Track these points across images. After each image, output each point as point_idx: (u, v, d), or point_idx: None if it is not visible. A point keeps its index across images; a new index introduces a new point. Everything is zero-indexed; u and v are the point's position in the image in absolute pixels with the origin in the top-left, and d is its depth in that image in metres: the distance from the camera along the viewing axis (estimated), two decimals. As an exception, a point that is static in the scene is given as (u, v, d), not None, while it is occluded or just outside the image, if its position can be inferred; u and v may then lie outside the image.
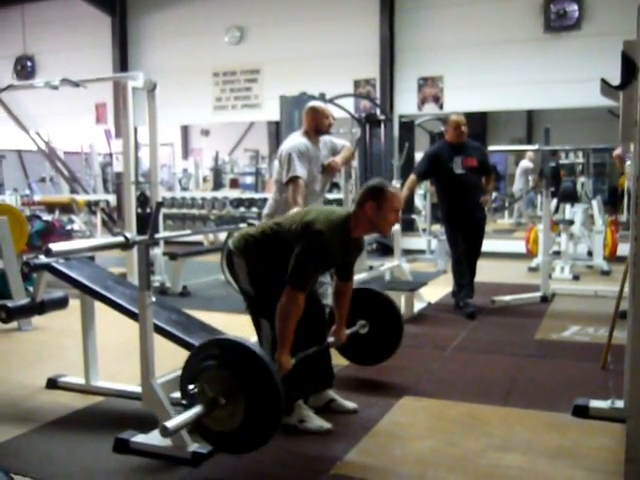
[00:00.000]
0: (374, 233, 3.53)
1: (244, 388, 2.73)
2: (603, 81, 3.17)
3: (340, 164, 5.06)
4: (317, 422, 3.37)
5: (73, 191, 14.41)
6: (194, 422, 2.81)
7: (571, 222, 9.05)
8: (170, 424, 2.68)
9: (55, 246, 2.79)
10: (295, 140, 4.87)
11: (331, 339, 3.66)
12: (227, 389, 2.75)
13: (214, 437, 2.87)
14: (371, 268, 7.25)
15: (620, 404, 3.44)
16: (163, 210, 9.86)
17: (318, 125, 4.88)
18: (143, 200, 7.79)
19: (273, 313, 3.12)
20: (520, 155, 15.65)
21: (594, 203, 9.71)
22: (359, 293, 3.91)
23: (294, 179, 4.68)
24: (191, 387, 2.80)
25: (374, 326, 4.01)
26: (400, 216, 3.46)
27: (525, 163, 14.81)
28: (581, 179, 11.95)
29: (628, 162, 5.53)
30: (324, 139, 5.01)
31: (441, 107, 11.30)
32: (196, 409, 2.74)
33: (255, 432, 2.75)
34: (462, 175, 6.07)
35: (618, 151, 5.00)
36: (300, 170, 4.70)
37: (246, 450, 2.83)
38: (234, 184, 15.11)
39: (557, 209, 9.61)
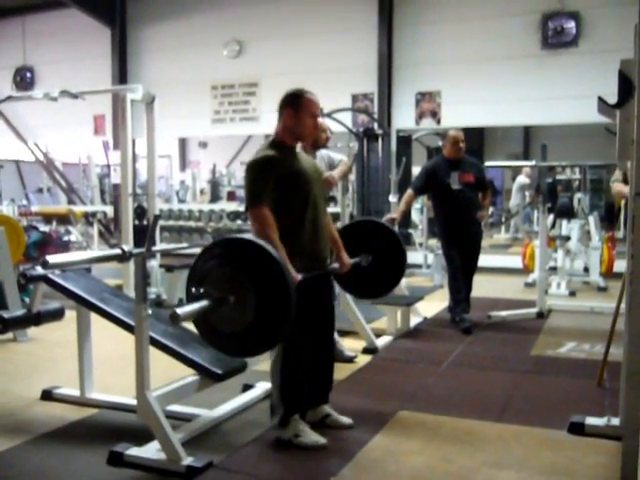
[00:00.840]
0: (299, 141, 3.51)
1: (253, 282, 2.70)
2: (600, 99, 3.19)
3: (337, 178, 5.07)
4: (312, 437, 3.36)
5: (70, 202, 14.41)
6: (204, 328, 2.78)
7: (568, 238, 9.06)
8: (180, 310, 2.62)
9: (52, 258, 2.79)
10: (293, 154, 4.87)
11: (335, 265, 3.67)
12: (235, 286, 2.72)
13: (224, 340, 2.83)
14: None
15: (616, 422, 3.43)
16: (160, 222, 9.86)
17: (315, 139, 4.88)
18: (140, 212, 7.79)
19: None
20: (517, 170, 15.70)
21: (591, 219, 9.72)
22: (361, 225, 3.89)
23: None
24: (195, 288, 2.77)
25: (377, 258, 4.00)
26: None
27: (522, 179, 14.85)
28: (578, 195, 11.97)
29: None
30: (321, 153, 5.01)
31: (438, 122, 11.35)
32: (205, 302, 2.71)
33: (266, 329, 2.73)
34: (459, 190, 6.09)
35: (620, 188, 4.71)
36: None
37: (257, 351, 2.82)
38: (231, 197, 15.13)
39: (554, 225, 9.62)
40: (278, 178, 3.23)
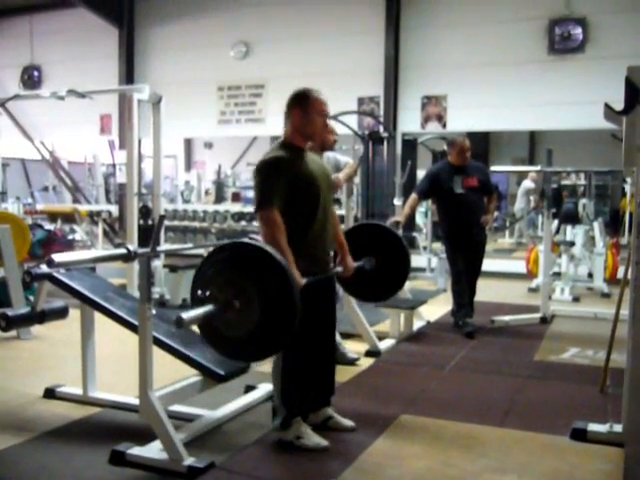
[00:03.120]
0: (310, 142, 3.47)
1: (258, 287, 2.69)
2: (607, 106, 3.20)
3: (342, 181, 5.07)
4: (314, 439, 3.36)
5: (75, 201, 14.44)
6: (208, 332, 2.77)
7: (572, 243, 9.05)
8: (186, 315, 2.62)
9: (57, 257, 2.80)
10: (299, 156, 4.87)
11: (339, 268, 3.66)
12: (240, 291, 2.71)
13: (228, 344, 2.82)
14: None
15: (618, 428, 3.43)
16: (164, 222, 9.87)
17: (323, 141, 4.88)
18: (145, 212, 7.80)
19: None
20: (522, 175, 15.68)
21: (595, 225, 9.71)
22: (365, 228, 3.88)
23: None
24: (201, 292, 2.76)
25: (380, 262, 3.99)
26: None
27: (527, 183, 14.84)
28: (583, 201, 11.96)
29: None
30: (327, 155, 5.01)
31: (444, 126, 11.35)
32: (209, 306, 2.70)
33: (270, 335, 2.72)
34: (462, 195, 6.08)
35: None
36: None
37: (262, 356, 2.81)
38: (236, 198, 15.12)
39: (558, 230, 9.61)
40: (288, 180, 3.21)
